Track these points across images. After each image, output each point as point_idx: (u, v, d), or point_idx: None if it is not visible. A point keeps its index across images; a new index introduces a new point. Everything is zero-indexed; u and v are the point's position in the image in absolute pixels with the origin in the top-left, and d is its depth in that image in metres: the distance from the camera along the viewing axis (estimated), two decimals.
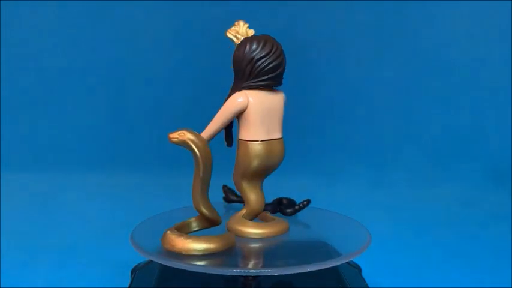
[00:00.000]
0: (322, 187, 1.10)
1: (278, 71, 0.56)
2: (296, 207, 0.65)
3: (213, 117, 0.56)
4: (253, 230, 0.57)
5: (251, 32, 0.58)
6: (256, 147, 0.56)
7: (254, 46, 0.55)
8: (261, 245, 0.55)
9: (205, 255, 0.52)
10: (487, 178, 1.14)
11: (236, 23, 0.58)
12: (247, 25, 0.58)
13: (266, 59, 0.55)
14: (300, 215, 0.65)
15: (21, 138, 1.24)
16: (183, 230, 0.56)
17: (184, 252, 0.52)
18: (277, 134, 0.57)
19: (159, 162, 1.18)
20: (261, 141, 0.56)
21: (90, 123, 1.24)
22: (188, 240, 0.53)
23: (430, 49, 1.19)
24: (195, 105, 1.17)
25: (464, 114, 1.19)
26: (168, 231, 0.54)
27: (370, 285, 0.61)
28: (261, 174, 0.58)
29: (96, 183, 1.14)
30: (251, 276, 0.54)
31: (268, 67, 0.55)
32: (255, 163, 0.56)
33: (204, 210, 0.56)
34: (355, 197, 1.08)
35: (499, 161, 1.16)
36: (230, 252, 0.53)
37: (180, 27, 1.22)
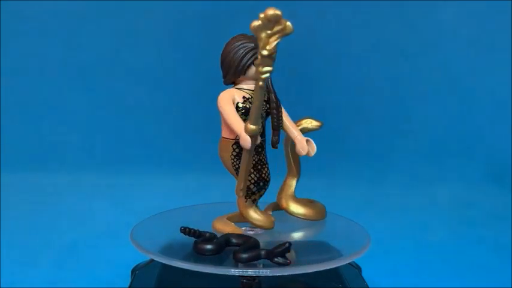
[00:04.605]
0: (321, 188, 1.10)
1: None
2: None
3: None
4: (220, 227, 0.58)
5: None
6: None
7: None
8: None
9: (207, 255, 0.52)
10: (487, 178, 1.14)
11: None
12: None
13: None
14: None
15: (22, 138, 1.24)
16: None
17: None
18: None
19: (159, 162, 1.18)
20: None
21: (90, 123, 1.24)
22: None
23: (429, 49, 1.19)
24: (196, 104, 1.17)
25: (464, 114, 1.19)
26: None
27: (370, 285, 0.61)
28: None
29: (96, 183, 1.14)
30: (251, 276, 0.54)
31: None
32: None
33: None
34: (355, 197, 1.08)
35: (499, 161, 1.16)
36: (230, 252, 0.53)
37: (180, 27, 1.22)
